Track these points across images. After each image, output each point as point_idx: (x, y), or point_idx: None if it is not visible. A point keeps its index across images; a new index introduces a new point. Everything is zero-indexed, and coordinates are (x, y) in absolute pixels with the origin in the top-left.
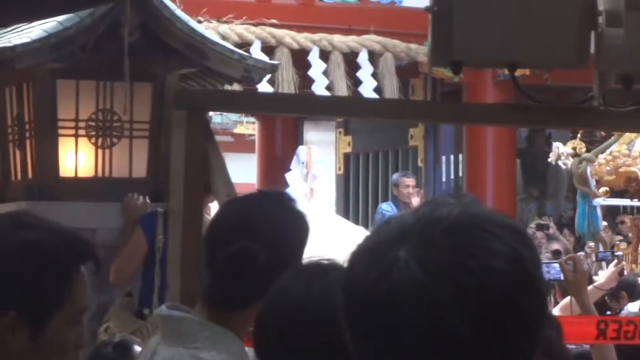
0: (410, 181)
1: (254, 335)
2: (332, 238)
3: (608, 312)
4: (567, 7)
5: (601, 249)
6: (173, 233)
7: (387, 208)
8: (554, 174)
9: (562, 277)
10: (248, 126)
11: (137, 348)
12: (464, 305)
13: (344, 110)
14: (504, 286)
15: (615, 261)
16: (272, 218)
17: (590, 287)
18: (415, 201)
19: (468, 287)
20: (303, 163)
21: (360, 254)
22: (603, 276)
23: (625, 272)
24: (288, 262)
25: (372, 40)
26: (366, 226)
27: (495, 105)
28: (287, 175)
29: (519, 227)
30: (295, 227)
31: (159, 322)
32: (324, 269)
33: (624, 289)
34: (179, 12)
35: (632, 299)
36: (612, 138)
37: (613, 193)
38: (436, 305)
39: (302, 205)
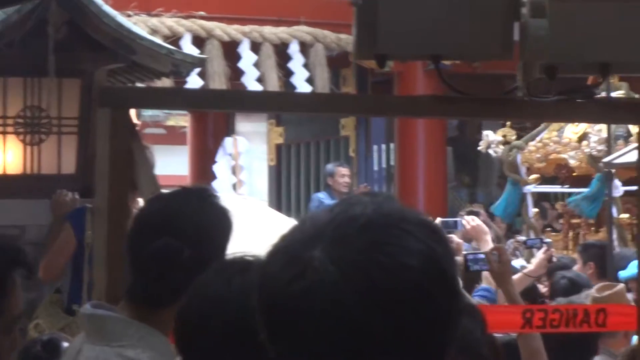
0: (345, 171)
1: (174, 331)
2: (261, 231)
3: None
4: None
5: (532, 236)
6: (98, 231)
7: (323, 197)
8: (485, 161)
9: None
10: (180, 118)
11: (67, 345)
12: (378, 304)
13: (273, 105)
14: (417, 284)
15: (545, 248)
16: (196, 215)
17: (519, 275)
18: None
19: (382, 286)
20: (230, 155)
21: (275, 254)
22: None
23: (555, 259)
24: (212, 259)
25: (303, 31)
26: (298, 217)
27: (420, 98)
28: (215, 167)
29: (432, 224)
30: (218, 223)
31: (83, 320)
32: (246, 266)
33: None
34: (106, 8)
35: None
36: (542, 125)
37: (544, 180)
38: (351, 304)
39: (229, 197)
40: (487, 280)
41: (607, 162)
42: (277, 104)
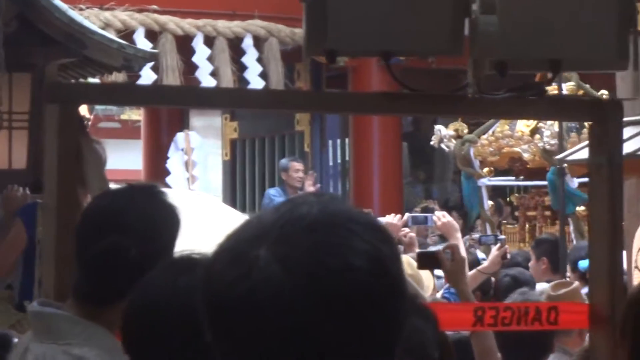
0: (299, 165)
1: (121, 330)
2: (212, 227)
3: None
4: None
5: (489, 230)
6: (47, 228)
7: (275, 193)
8: (440, 157)
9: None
10: (134, 112)
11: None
12: (324, 304)
13: (226, 101)
14: (363, 284)
15: (499, 244)
16: (143, 212)
17: (474, 271)
18: (309, 186)
19: (328, 286)
20: (182, 150)
21: (220, 253)
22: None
23: (509, 256)
24: (159, 256)
25: (257, 25)
26: (253, 213)
27: (370, 95)
28: (167, 163)
29: (378, 224)
30: (166, 220)
31: (31, 318)
32: (193, 264)
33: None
34: (57, 2)
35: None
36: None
37: (497, 173)
38: (297, 304)
39: (180, 193)
40: None
41: (560, 159)
42: (230, 101)
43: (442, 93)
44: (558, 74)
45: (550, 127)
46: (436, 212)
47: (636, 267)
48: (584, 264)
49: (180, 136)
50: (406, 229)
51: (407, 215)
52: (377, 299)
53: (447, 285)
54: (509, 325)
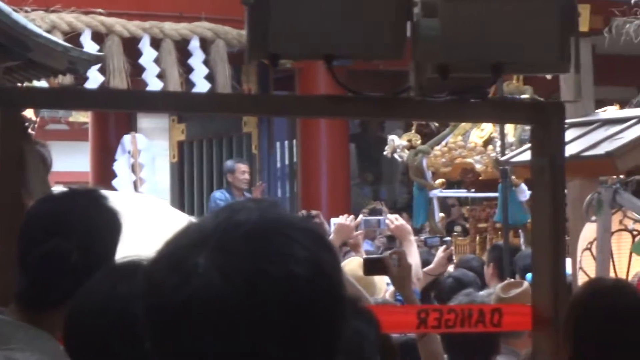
0: (245, 167)
1: (63, 335)
2: (158, 231)
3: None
4: None
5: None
6: None
7: (220, 196)
8: (388, 159)
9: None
10: (81, 114)
11: None
12: (264, 312)
13: (172, 105)
14: (304, 291)
15: (444, 246)
16: (85, 216)
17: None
18: (257, 196)
19: (269, 293)
20: (129, 152)
21: (160, 260)
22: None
23: (454, 258)
24: (101, 261)
25: (204, 27)
26: (201, 215)
27: (313, 98)
28: (114, 165)
29: (318, 231)
30: (108, 225)
31: None
32: (134, 270)
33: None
34: (0, 4)
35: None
36: (448, 129)
37: (450, 184)
38: (237, 312)
39: (126, 197)
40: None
41: (502, 160)
42: (177, 105)
43: (384, 96)
44: (499, 76)
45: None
46: (389, 216)
47: (581, 268)
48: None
49: (127, 138)
50: (358, 232)
51: (360, 217)
52: (317, 305)
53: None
54: (452, 328)
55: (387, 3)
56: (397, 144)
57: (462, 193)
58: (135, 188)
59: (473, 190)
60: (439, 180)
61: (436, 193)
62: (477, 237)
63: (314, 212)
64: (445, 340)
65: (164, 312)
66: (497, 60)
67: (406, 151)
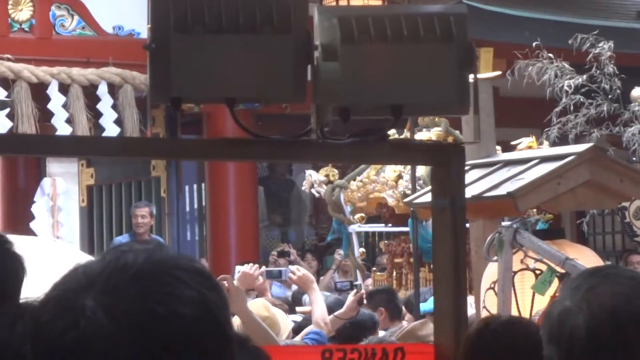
0: (139, 211)
1: None
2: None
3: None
4: (283, 42)
5: (359, 276)
6: None
7: (121, 240)
8: (296, 201)
9: None
10: None
11: None
12: (152, 352)
13: (80, 149)
14: (191, 331)
15: (355, 290)
16: None
17: (330, 317)
18: None
19: (156, 334)
20: (48, 195)
21: (47, 303)
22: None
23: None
24: (2, 305)
25: (111, 72)
26: None
27: (214, 141)
28: (33, 208)
29: (204, 271)
30: (11, 269)
31: None
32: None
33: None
34: None
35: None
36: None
37: (370, 219)
38: (124, 353)
39: (30, 241)
40: (317, 325)
41: (407, 202)
42: (84, 149)
43: (286, 139)
44: (399, 118)
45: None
46: (290, 267)
47: (485, 307)
48: (425, 307)
49: (46, 181)
50: (260, 281)
51: (263, 269)
52: (203, 345)
53: (308, 328)
54: None
55: (288, 46)
56: (315, 178)
57: (379, 228)
58: (53, 231)
59: (390, 224)
60: (359, 215)
61: (354, 228)
62: (394, 272)
63: (191, 258)
64: None
65: (53, 355)
66: (397, 103)
67: (324, 186)
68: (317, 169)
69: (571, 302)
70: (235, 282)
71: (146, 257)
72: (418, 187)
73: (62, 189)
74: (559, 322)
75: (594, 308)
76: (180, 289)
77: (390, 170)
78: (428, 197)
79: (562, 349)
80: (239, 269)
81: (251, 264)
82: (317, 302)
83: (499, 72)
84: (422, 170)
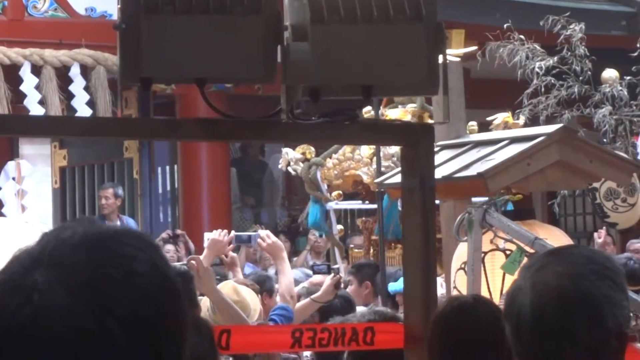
0: (103, 192)
1: None
2: None
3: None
4: (253, 22)
5: (337, 254)
6: None
7: None
8: (269, 182)
9: None
10: None
11: None
12: (113, 317)
13: (57, 129)
14: (148, 288)
15: (332, 274)
16: None
17: (307, 300)
18: None
19: (114, 295)
20: (13, 178)
21: None
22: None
23: (342, 285)
24: None
25: (84, 54)
26: None
27: (183, 121)
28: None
29: (144, 235)
30: None
31: None
32: None
33: None
34: None
35: None
36: None
37: (347, 196)
38: (84, 320)
39: (7, 224)
40: (283, 298)
41: (378, 182)
42: (56, 129)
43: (255, 119)
44: (369, 99)
45: (385, 149)
46: (260, 232)
47: (455, 287)
48: (393, 287)
49: (11, 165)
50: (230, 246)
51: (232, 233)
52: (161, 301)
53: (274, 307)
54: (326, 346)
55: (257, 27)
56: (291, 156)
57: (356, 205)
58: (20, 215)
59: (367, 202)
60: (335, 193)
61: (332, 205)
62: (371, 250)
63: (178, 232)
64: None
65: (10, 334)
66: (366, 83)
67: (300, 164)
68: (293, 148)
69: (522, 280)
70: (205, 250)
71: (84, 229)
72: (392, 165)
73: (27, 172)
74: (510, 300)
75: (539, 287)
76: (130, 251)
77: (366, 148)
78: (399, 178)
79: (512, 327)
80: (208, 236)
81: (219, 230)
82: (284, 274)
83: (474, 47)
84: (396, 147)
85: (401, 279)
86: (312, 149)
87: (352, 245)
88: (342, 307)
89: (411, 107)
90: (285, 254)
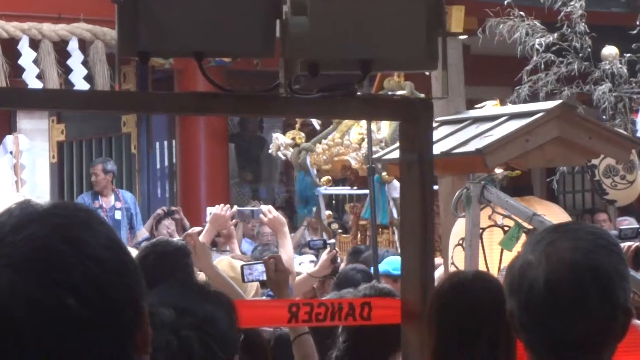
0: (93, 169)
1: None
2: None
3: None
4: None
5: (325, 237)
6: None
7: (85, 198)
8: (267, 158)
9: (264, 277)
10: None
11: None
12: (67, 287)
13: (54, 102)
14: (105, 256)
15: (328, 249)
16: None
17: (303, 275)
18: None
19: (66, 269)
20: (11, 153)
21: None
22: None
23: (339, 260)
24: None
25: (82, 28)
26: None
27: (180, 95)
28: None
29: (89, 210)
30: None
31: None
32: None
33: None
34: None
35: None
36: (331, 127)
37: (336, 181)
38: (35, 296)
39: (6, 197)
40: None
41: (374, 158)
42: (53, 102)
43: (253, 92)
44: (368, 74)
45: (375, 134)
46: (262, 207)
47: (453, 263)
48: (384, 266)
49: (9, 139)
50: (232, 221)
51: (235, 208)
52: (118, 272)
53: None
54: (323, 321)
55: (256, 0)
56: (281, 141)
57: (345, 190)
58: (17, 189)
59: (356, 187)
60: (325, 178)
61: (321, 190)
62: (359, 235)
63: (174, 208)
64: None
65: None
66: (365, 57)
67: (290, 149)
68: (286, 130)
69: (532, 255)
70: (207, 224)
71: (20, 209)
72: (380, 149)
73: (25, 146)
74: (520, 275)
75: (553, 261)
76: (78, 223)
77: (355, 133)
78: (395, 154)
79: (521, 301)
80: (211, 211)
81: (222, 205)
82: (285, 248)
83: (466, 36)
84: (385, 133)
85: (386, 260)
86: (302, 134)
87: (340, 230)
88: (364, 280)
89: (401, 94)
90: (286, 229)
